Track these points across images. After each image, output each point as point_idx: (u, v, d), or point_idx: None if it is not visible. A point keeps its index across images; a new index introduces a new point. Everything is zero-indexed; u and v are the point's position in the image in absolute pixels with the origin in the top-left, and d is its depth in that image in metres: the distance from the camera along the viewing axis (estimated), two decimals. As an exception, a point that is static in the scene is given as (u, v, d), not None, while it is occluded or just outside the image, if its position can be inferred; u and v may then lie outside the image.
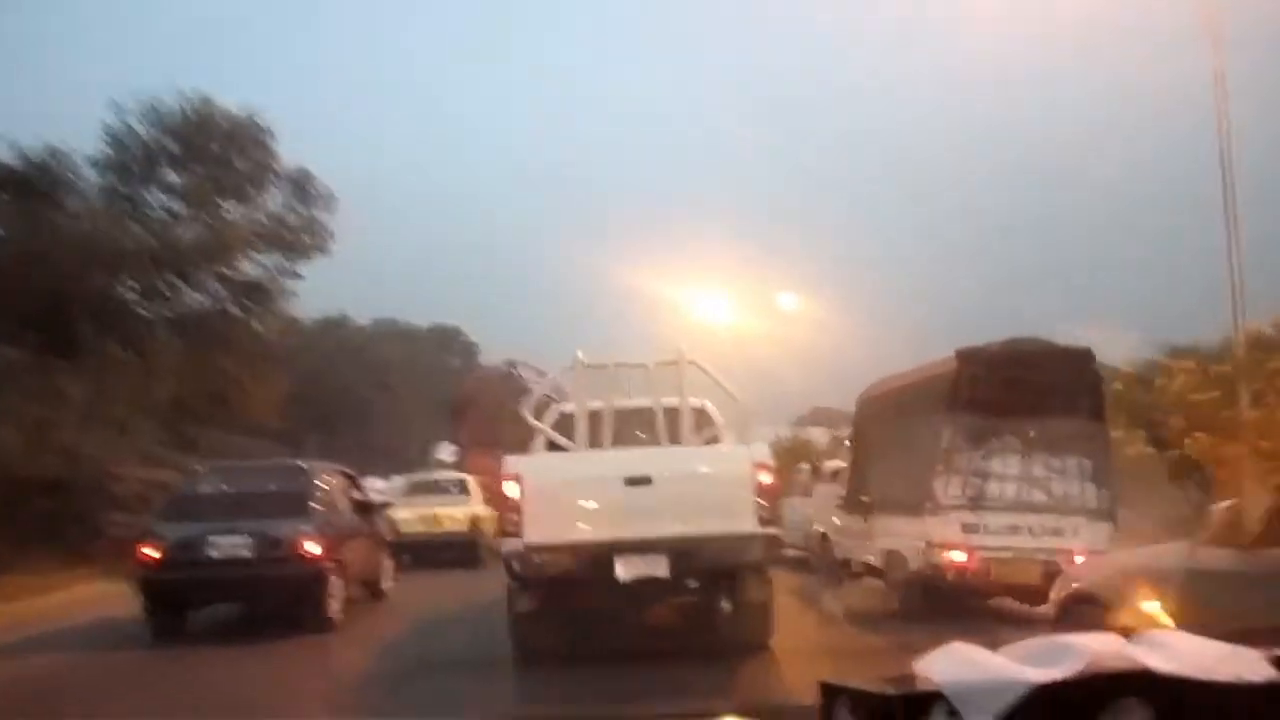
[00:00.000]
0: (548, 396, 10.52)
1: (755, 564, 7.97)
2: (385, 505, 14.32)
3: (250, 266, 23.00)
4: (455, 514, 18.16)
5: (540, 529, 7.81)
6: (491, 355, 40.52)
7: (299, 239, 23.19)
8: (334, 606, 10.50)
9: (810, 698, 1.42)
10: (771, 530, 8.07)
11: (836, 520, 13.01)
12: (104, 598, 12.87)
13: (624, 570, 7.71)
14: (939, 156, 51.23)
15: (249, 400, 23.23)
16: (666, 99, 66.95)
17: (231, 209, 22.79)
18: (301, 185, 23.45)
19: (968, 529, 9.75)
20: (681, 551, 7.72)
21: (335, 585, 10.54)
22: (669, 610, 9.05)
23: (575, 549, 7.81)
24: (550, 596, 7.94)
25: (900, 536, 10.47)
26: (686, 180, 55.05)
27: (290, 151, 23.66)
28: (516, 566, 7.90)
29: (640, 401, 9.33)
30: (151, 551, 10.26)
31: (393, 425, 36.89)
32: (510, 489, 8.00)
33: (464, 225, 62.30)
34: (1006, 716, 1.24)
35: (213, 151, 22.12)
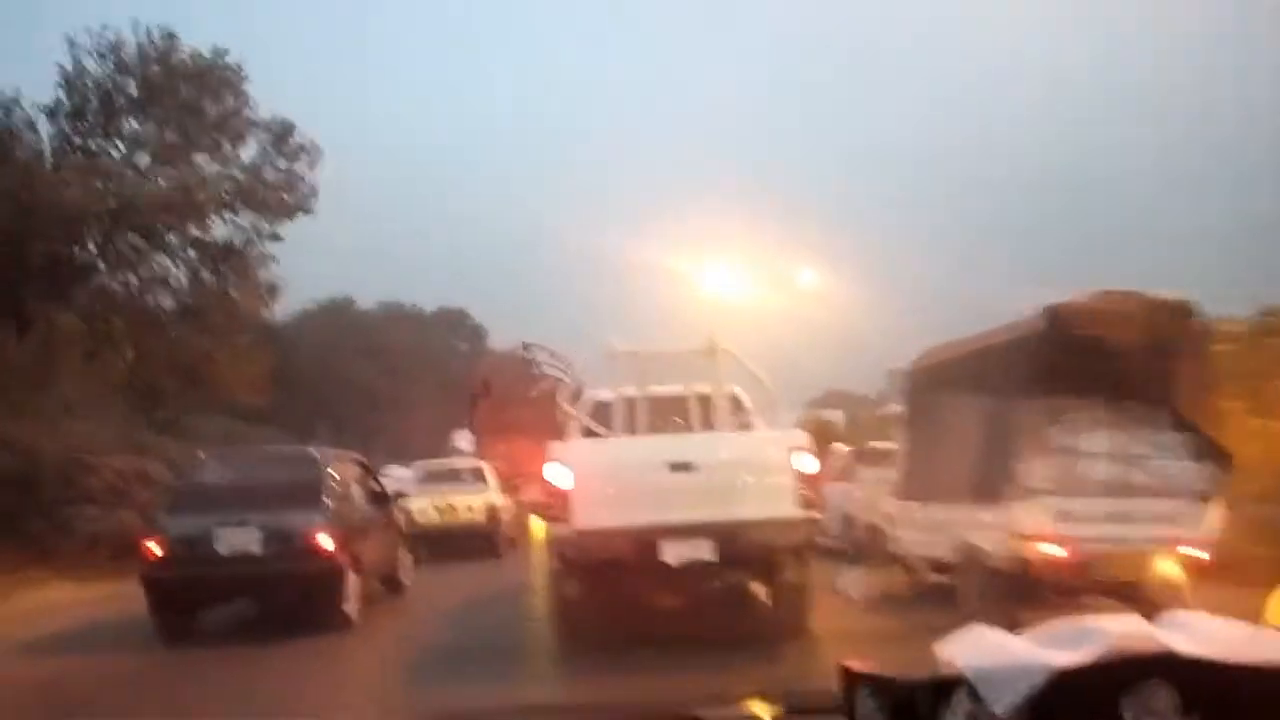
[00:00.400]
0: (580, 384, 10.91)
1: (797, 547, 8.44)
2: (399, 495, 13.50)
3: (224, 228, 21.28)
4: (472, 503, 18.16)
5: (588, 514, 8.22)
6: (499, 338, 39.79)
7: (278, 197, 21.29)
8: (351, 603, 10.38)
9: (831, 682, 1.45)
10: (814, 514, 8.58)
11: (889, 509, 11.78)
12: (75, 604, 12.60)
13: (670, 554, 8.13)
14: (972, 133, 50.27)
15: (225, 378, 21.64)
16: (683, 71, 65.91)
17: (202, 163, 21.01)
18: (281, 136, 21.49)
19: (1061, 517, 8.34)
20: (726, 535, 8.17)
21: (352, 581, 10.44)
22: (709, 593, 9.49)
23: (623, 534, 8.19)
24: (596, 581, 8.45)
25: (975, 528, 9.18)
26: (703, 156, 54.25)
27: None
28: (566, 552, 8.34)
29: (673, 388, 9.95)
30: (155, 547, 10.07)
31: (401, 412, 36.34)
32: (558, 475, 8.40)
33: (466, 202, 61.53)
34: (1029, 701, 1.25)
35: (179, 97, 20.30)
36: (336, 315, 42.89)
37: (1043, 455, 8.40)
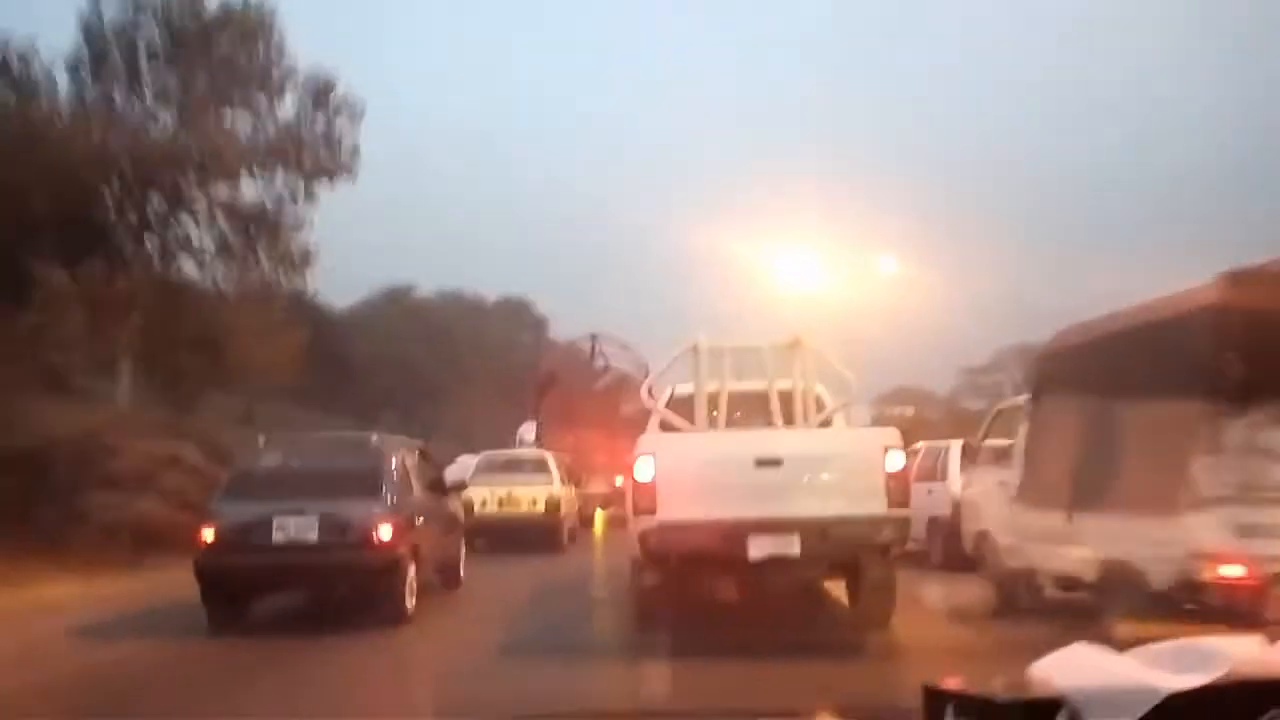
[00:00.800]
0: (651, 376, 11.37)
1: (884, 547, 8.81)
2: (460, 485, 13.34)
3: (255, 188, 20.34)
4: (535, 495, 18.30)
5: (674, 507, 8.65)
6: (562, 328, 39.69)
7: (315, 156, 20.26)
8: (409, 598, 10.52)
9: (914, 699, 1.43)
10: (903, 513, 8.88)
11: (1008, 516, 10.61)
12: (80, 602, 12.07)
13: (757, 549, 8.51)
14: (1053, 126, 49.04)
15: (250, 355, 20.60)
16: (754, 55, 65.19)
17: (232, 118, 20.13)
18: (320, 91, 20.44)
19: (1244, 532, 7.10)
20: (813, 531, 8.55)
21: (410, 574, 10.59)
22: (789, 590, 10.05)
23: (710, 527, 8.57)
24: (677, 573, 8.96)
25: (1131, 542, 7.96)
26: (777, 140, 53.51)
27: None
28: (650, 543, 8.73)
29: (756, 384, 10.30)
30: (209, 533, 10.26)
31: (464, 402, 36.43)
32: (644, 467, 8.77)
33: (529, 191, 61.57)
34: None
35: (209, 46, 19.58)
36: (396, 303, 43.19)
37: (1219, 456, 7.17)
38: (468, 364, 42.51)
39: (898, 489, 8.72)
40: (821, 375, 10.38)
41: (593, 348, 27.32)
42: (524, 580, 13.74)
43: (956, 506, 13.72)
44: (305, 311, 24.98)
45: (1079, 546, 8.74)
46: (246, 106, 20.11)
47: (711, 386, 10.13)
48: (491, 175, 68.39)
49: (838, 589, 10.25)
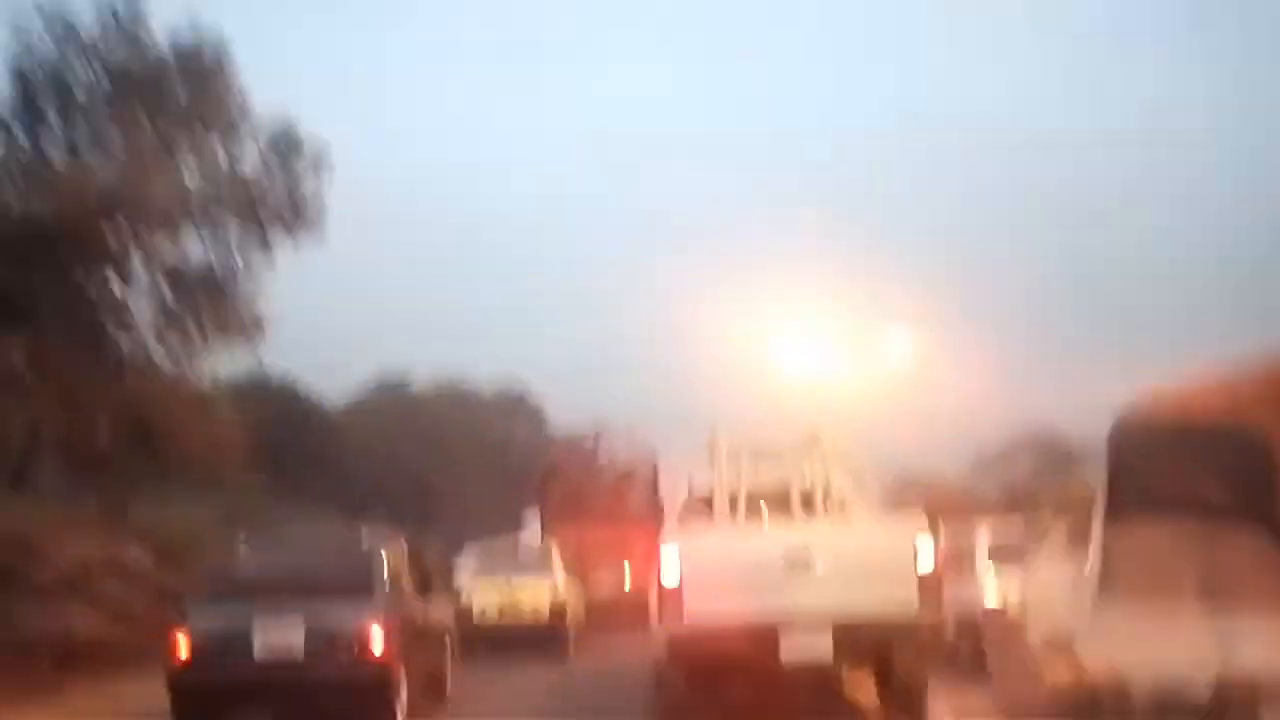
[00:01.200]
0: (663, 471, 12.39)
1: (919, 646, 8.82)
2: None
3: (201, 247, 18.61)
4: (538, 599, 17.56)
5: (702, 608, 8.60)
6: (562, 419, 39.11)
7: (273, 207, 18.54)
8: (400, 713, 9.93)
9: None
10: (937, 609, 8.97)
11: (1092, 614, 8.92)
12: None
13: (789, 651, 8.55)
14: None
15: (182, 440, 18.11)
16: (757, 130, 65.33)
17: (171, 166, 18.35)
18: (280, 137, 18.77)
19: None
20: (846, 631, 8.59)
21: (403, 689, 9.96)
22: (820, 693, 9.95)
23: (740, 629, 8.48)
24: (705, 678, 8.85)
25: (1245, 641, 6.64)
26: (778, 214, 53.24)
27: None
28: (678, 647, 8.69)
29: (775, 478, 10.48)
30: (182, 643, 9.53)
31: (459, 500, 35.62)
32: (670, 568, 8.71)
33: (509, 277, 61.24)
34: None
35: (156, 89, 18.00)
36: (389, 396, 42.55)
37: None
38: (463, 460, 41.87)
39: (931, 586, 8.88)
40: (841, 469, 10.70)
41: (597, 440, 26.66)
42: (524, 693, 12.75)
43: (988, 610, 12.86)
44: (286, 401, 23.44)
45: (1187, 652, 7.28)
46: (196, 154, 18.65)
47: (730, 482, 10.46)
48: (484, 257, 68.25)
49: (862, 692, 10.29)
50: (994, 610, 13.04)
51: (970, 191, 57.70)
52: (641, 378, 43.77)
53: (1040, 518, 12.94)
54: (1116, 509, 8.74)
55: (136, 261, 18.11)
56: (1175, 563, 7.70)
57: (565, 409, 45.23)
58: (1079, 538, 9.87)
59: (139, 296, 18.35)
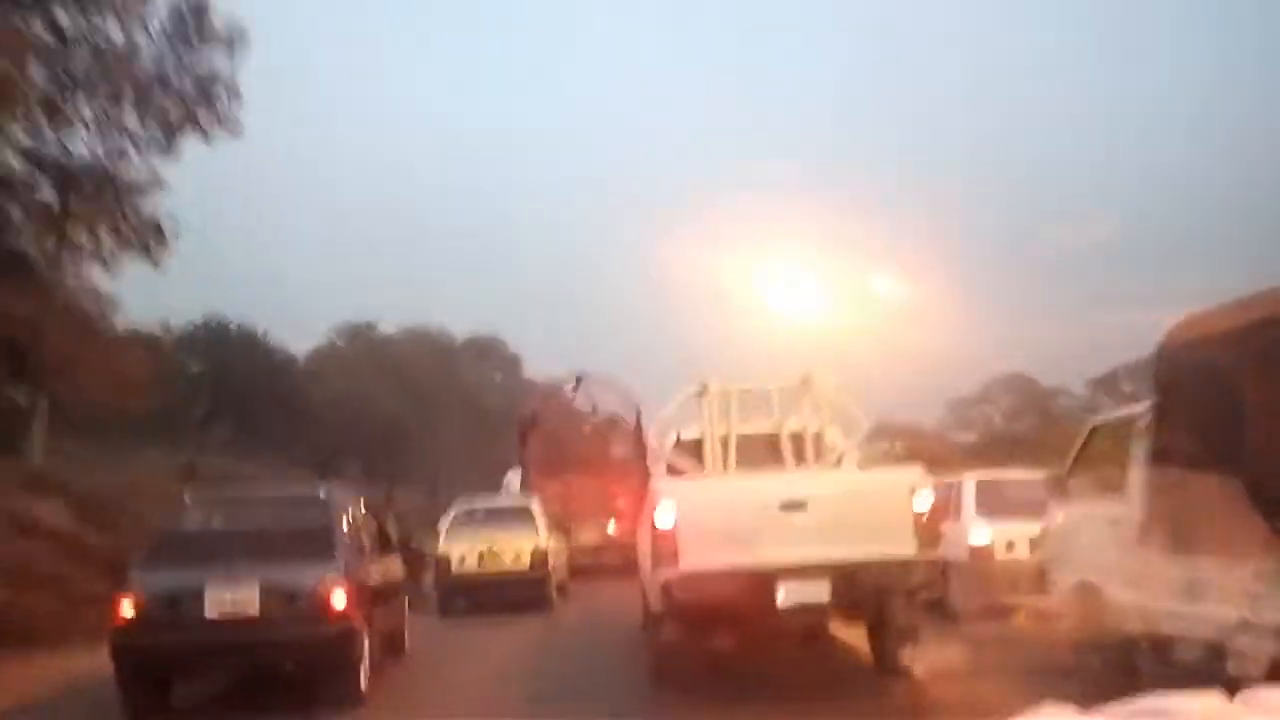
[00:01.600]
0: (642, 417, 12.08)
1: (915, 589, 8.90)
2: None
3: (96, 137, 15.43)
4: (519, 548, 17.22)
5: (698, 555, 8.65)
6: (541, 366, 38.61)
7: (176, 95, 15.59)
8: (364, 675, 9.59)
9: None
10: (934, 555, 9.00)
11: (1127, 564, 8.40)
12: None
13: (786, 596, 8.56)
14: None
15: (74, 370, 15.34)
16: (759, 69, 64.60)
17: (53, 44, 15.03)
18: (187, 16, 15.77)
19: None
20: (843, 576, 8.63)
21: (366, 647, 9.71)
22: (813, 638, 10.25)
23: (736, 576, 8.52)
24: (701, 626, 8.96)
25: None
26: (770, 160, 52.94)
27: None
28: (674, 594, 8.68)
29: (765, 424, 10.59)
30: (127, 606, 9.10)
31: (435, 449, 35.21)
32: (665, 514, 8.76)
33: (503, 221, 60.73)
34: None
35: None
36: (357, 342, 41.89)
37: None
38: (436, 408, 41.26)
39: (927, 530, 8.93)
40: (832, 415, 10.65)
41: (578, 387, 26.18)
42: (501, 646, 12.73)
43: (973, 551, 12.89)
44: (246, 348, 21.91)
45: (1234, 606, 6.77)
46: (84, 30, 15.26)
47: (720, 429, 10.43)
48: (458, 206, 67.42)
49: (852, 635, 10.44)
50: (980, 555, 12.87)
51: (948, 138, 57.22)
52: (624, 329, 43.38)
53: (1073, 454, 11.60)
54: (1168, 451, 7.83)
55: (8, 154, 15.13)
56: (1233, 513, 6.73)
57: (546, 357, 44.77)
58: (1106, 487, 9.17)
59: (11, 194, 15.37)
